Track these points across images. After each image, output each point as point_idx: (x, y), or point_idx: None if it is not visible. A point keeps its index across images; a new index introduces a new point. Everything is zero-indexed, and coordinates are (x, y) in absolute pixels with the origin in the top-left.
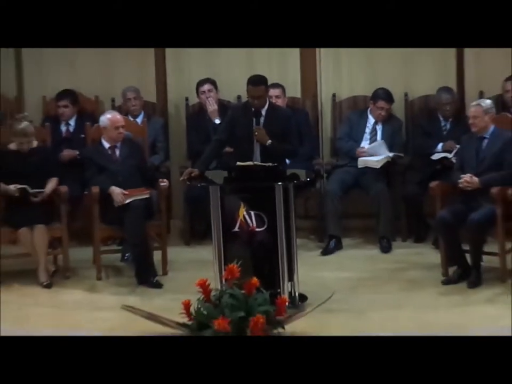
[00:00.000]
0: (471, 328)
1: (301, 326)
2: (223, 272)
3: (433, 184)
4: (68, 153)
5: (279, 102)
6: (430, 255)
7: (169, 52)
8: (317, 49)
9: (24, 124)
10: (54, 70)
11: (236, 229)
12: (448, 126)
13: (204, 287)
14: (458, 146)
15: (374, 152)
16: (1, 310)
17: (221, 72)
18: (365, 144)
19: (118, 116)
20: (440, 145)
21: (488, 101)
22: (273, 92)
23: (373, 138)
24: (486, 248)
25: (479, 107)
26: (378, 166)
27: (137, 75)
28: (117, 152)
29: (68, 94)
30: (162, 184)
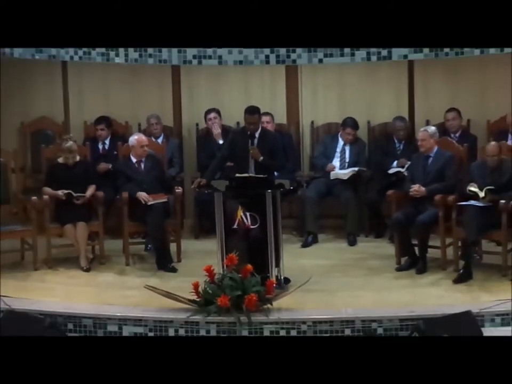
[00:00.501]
0: (418, 305)
1: (285, 302)
2: (225, 260)
3: (389, 192)
4: (103, 166)
5: (269, 126)
6: (386, 247)
7: (183, 86)
8: (299, 84)
9: (70, 143)
10: (92, 100)
11: (235, 226)
12: (401, 147)
13: (210, 271)
14: (409, 162)
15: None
16: (52, 288)
17: (224, 103)
18: (336, 161)
19: (143, 137)
20: (395, 162)
21: (433, 128)
22: (264, 118)
23: (342, 157)
24: (430, 243)
25: (426, 132)
26: (346, 178)
27: (158, 105)
28: (142, 165)
29: (104, 120)
30: (177, 191)
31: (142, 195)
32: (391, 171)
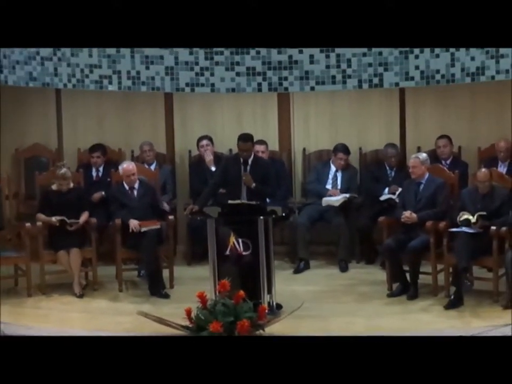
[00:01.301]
0: (410, 331)
1: (277, 328)
2: (217, 286)
3: (381, 218)
4: (96, 194)
5: (264, 155)
6: (378, 274)
7: (176, 113)
8: (291, 112)
9: (64, 170)
10: (86, 127)
11: (227, 252)
12: (393, 174)
13: (202, 297)
14: (400, 189)
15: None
16: (46, 314)
17: (216, 130)
18: (328, 187)
19: (130, 166)
20: (386, 189)
21: (424, 154)
22: (259, 148)
23: (334, 183)
24: (422, 269)
25: (417, 159)
26: (337, 205)
27: (151, 132)
28: (135, 192)
29: (100, 147)
30: (169, 218)
31: (132, 223)
32: (382, 198)
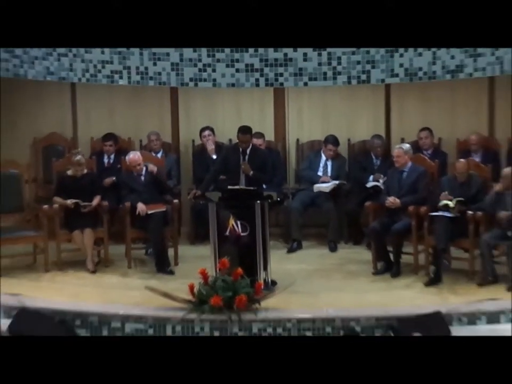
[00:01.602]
0: (393, 306)
1: (272, 302)
2: (217, 264)
3: (367, 203)
4: (108, 180)
5: (262, 147)
6: (364, 254)
7: (181, 106)
8: (286, 105)
9: (78, 157)
10: (98, 118)
11: (227, 233)
12: (378, 163)
13: (204, 274)
14: (383, 176)
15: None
16: (62, 288)
17: (217, 121)
18: (319, 174)
19: (136, 157)
20: (372, 177)
21: (407, 145)
22: (257, 141)
23: (325, 171)
24: (404, 249)
25: (401, 149)
26: (327, 191)
27: (158, 122)
28: (143, 178)
29: (112, 137)
30: (174, 201)
31: (140, 207)
32: (369, 185)
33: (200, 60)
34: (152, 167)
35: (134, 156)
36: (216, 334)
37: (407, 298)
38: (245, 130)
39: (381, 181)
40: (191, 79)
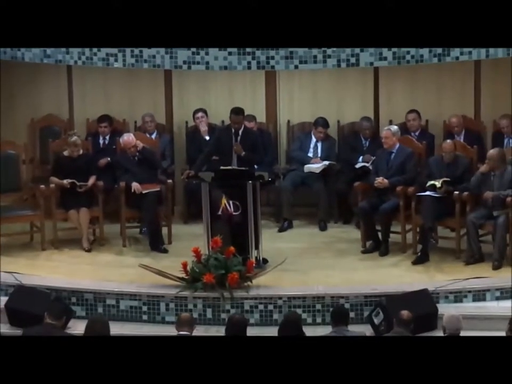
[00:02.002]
0: (381, 284)
1: (263, 280)
2: (210, 242)
3: (356, 183)
4: (103, 160)
5: (253, 129)
6: (353, 232)
7: (175, 88)
8: (277, 87)
9: (74, 138)
10: (94, 100)
11: (219, 212)
12: (367, 144)
13: (197, 252)
14: (373, 158)
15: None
16: (58, 266)
17: (210, 103)
18: (309, 155)
19: (130, 138)
20: (361, 158)
21: (395, 127)
22: (249, 124)
23: (315, 152)
24: (392, 228)
25: (389, 131)
26: (318, 171)
27: (152, 104)
28: (137, 158)
29: (107, 118)
30: (168, 181)
31: (134, 185)
32: (358, 165)
33: None
34: (138, 143)
35: (127, 138)
36: (209, 310)
37: (395, 276)
38: (237, 112)
39: (370, 161)
40: (184, 62)
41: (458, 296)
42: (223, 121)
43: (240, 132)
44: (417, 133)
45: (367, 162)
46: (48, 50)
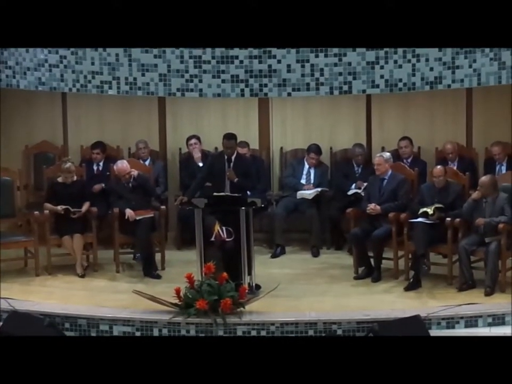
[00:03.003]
0: (373, 310)
1: (256, 306)
2: (203, 268)
3: (348, 210)
4: (97, 186)
5: (246, 156)
6: (345, 258)
7: (168, 115)
8: (270, 114)
9: (68, 164)
10: (88, 127)
11: (212, 238)
12: (359, 170)
13: (190, 278)
14: (365, 184)
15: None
16: (52, 292)
17: (204, 130)
18: (302, 181)
19: (124, 166)
20: (353, 185)
21: (388, 153)
22: (241, 150)
23: (308, 178)
24: (384, 255)
25: (382, 157)
26: (310, 197)
27: (146, 131)
28: (131, 185)
29: (100, 145)
30: (161, 207)
31: (128, 212)
32: (350, 192)
33: (187, 71)
34: (133, 171)
35: (122, 165)
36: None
37: (388, 302)
38: (229, 137)
39: (362, 188)
40: (178, 89)
41: (451, 322)
42: (216, 148)
43: (233, 158)
44: (409, 160)
45: (359, 189)
46: (43, 78)
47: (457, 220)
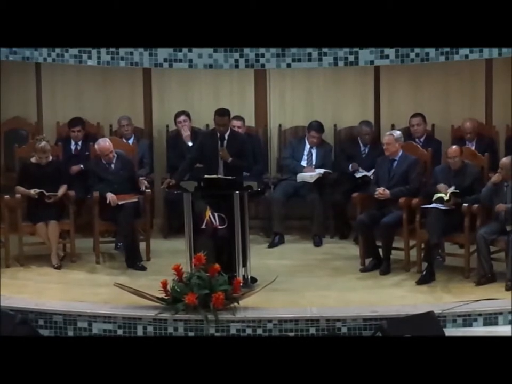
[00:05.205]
0: (381, 306)
1: (252, 301)
2: (193, 259)
3: (354, 194)
4: (75, 167)
5: (241, 130)
6: (351, 249)
7: (154, 89)
8: (267, 88)
9: (43, 143)
10: (65, 101)
11: (203, 226)
12: (366, 151)
13: (178, 270)
14: (359, 166)
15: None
16: (24, 285)
17: (194, 106)
18: (303, 163)
19: (107, 144)
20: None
21: (398, 132)
22: (236, 123)
23: (309, 159)
24: (394, 244)
25: (391, 136)
26: (311, 181)
27: (129, 106)
28: (112, 166)
29: (80, 122)
30: (147, 191)
31: (109, 196)
32: (358, 174)
33: None
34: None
35: (104, 143)
36: (191, 335)
37: (397, 297)
38: (222, 113)
39: (361, 169)
40: (165, 60)
41: (468, 319)
42: (207, 125)
43: (226, 136)
44: (422, 139)
45: (368, 172)
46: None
47: (475, 205)
